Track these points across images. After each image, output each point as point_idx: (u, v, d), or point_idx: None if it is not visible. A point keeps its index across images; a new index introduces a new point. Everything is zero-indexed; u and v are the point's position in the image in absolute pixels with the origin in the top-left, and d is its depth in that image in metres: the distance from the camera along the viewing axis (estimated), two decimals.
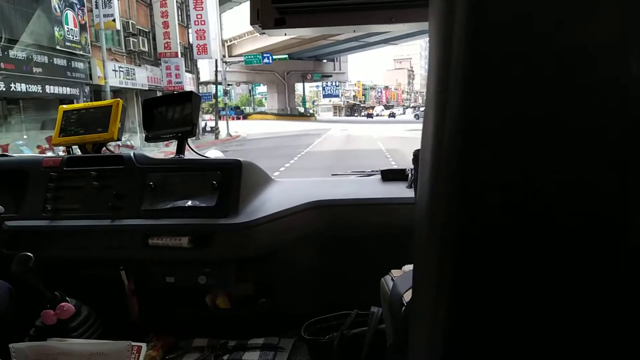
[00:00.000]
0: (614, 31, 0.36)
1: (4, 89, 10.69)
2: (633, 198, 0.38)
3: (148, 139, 1.68)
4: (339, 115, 59.81)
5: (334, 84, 51.86)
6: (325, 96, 55.77)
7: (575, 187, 0.38)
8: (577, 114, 0.38)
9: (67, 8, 13.02)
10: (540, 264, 0.40)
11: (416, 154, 0.92)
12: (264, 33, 1.25)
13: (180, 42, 20.27)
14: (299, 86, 48.91)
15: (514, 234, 0.40)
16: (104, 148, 1.73)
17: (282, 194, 1.64)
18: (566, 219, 0.39)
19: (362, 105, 63.61)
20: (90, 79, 14.40)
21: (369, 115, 50.31)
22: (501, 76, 0.38)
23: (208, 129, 23.98)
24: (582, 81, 0.37)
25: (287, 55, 33.46)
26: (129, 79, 16.76)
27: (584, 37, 0.37)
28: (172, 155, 1.65)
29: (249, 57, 27.01)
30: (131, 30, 17.23)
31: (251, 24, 1.20)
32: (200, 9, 21.09)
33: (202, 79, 25.82)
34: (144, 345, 1.23)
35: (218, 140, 21.27)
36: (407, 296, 0.77)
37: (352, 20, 1.16)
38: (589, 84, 0.37)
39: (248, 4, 1.19)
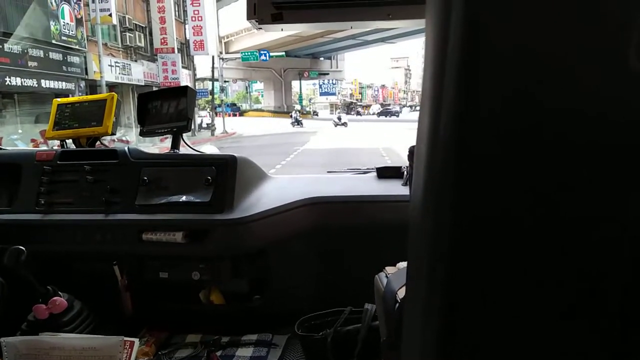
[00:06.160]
0: (615, 27, 0.36)
1: None
2: (633, 199, 0.38)
3: (142, 134, 1.68)
4: (335, 113, 60.09)
5: (330, 81, 51.62)
6: (322, 94, 55.53)
7: (576, 186, 0.38)
8: (577, 105, 0.37)
9: (63, 2, 12.98)
10: (536, 260, 0.40)
11: (412, 150, 0.92)
12: (260, 28, 1.25)
13: (177, 38, 20.22)
14: (295, 84, 48.78)
15: (509, 229, 0.40)
16: (98, 142, 1.72)
17: (277, 190, 1.64)
18: (565, 215, 0.39)
19: (358, 103, 63.53)
20: (86, 73, 14.35)
21: (359, 113, 49.63)
22: (498, 67, 0.38)
23: (204, 125, 23.91)
24: (584, 70, 0.37)
25: (284, 53, 33.39)
26: (125, 74, 16.71)
27: (587, 26, 0.37)
28: (167, 151, 1.64)
29: (246, 54, 26.88)
30: (127, 25, 17.17)
31: (247, 19, 1.20)
32: (197, 4, 21.04)
33: (198, 75, 25.73)
34: (136, 340, 1.22)
35: (214, 137, 21.23)
36: (401, 293, 0.77)
37: (349, 16, 1.16)
38: (591, 73, 0.37)
39: None
